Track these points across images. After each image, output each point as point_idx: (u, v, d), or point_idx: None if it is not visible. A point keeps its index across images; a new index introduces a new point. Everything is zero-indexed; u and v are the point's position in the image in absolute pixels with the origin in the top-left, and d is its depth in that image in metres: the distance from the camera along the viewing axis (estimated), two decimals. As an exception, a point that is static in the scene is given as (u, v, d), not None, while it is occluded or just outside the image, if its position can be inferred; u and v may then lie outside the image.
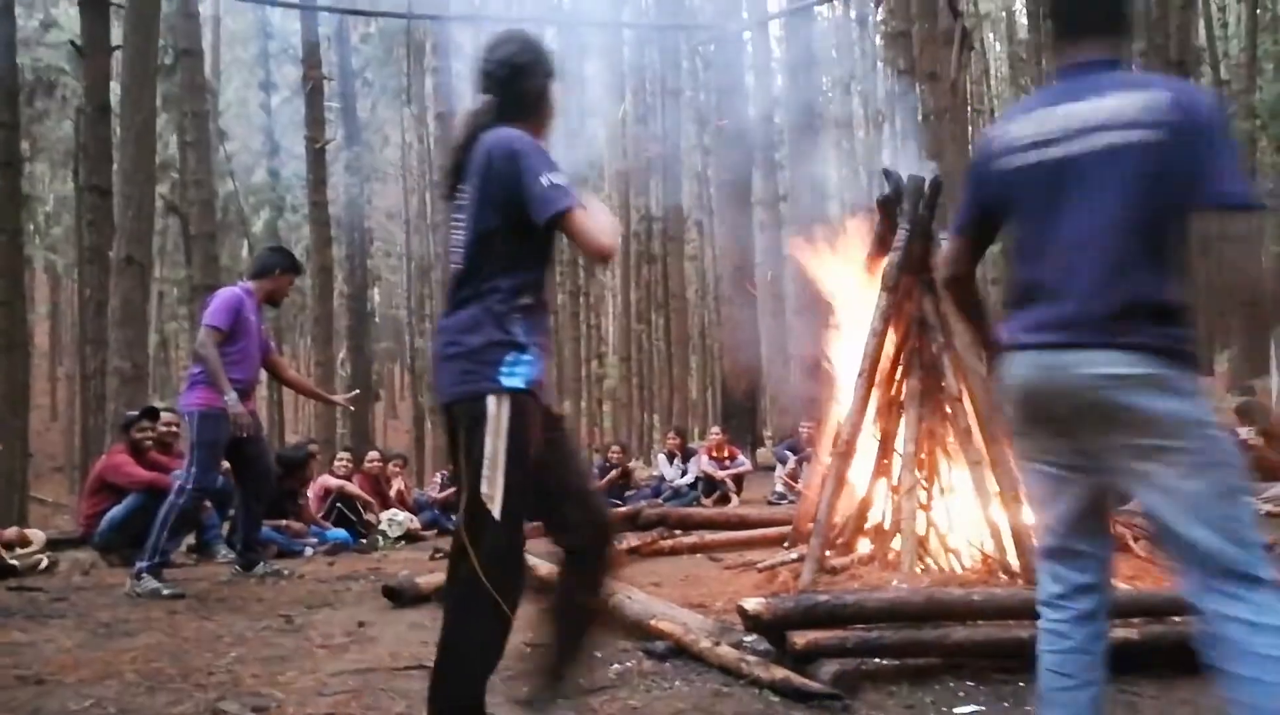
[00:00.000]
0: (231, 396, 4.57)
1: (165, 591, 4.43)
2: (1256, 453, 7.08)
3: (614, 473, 9.84)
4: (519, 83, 2.24)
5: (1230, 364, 18.50)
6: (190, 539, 6.19)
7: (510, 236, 2.11)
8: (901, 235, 4.43)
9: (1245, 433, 7.30)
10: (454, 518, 8.63)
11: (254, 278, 5.03)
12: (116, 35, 9.86)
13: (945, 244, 1.92)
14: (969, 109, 20.39)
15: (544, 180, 2.03)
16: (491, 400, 2.08)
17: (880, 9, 21.94)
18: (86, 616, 4.04)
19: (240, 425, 4.61)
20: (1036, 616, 2.89)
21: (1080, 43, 1.82)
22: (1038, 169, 1.79)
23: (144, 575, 4.50)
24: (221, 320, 4.70)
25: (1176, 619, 2.88)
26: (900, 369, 4.54)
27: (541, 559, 4.31)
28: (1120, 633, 2.77)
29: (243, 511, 5.24)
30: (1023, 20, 29.82)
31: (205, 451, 4.64)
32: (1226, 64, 24.05)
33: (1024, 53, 27.86)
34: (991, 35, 32.46)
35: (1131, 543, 4.53)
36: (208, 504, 5.82)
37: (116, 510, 5.90)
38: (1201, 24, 21.39)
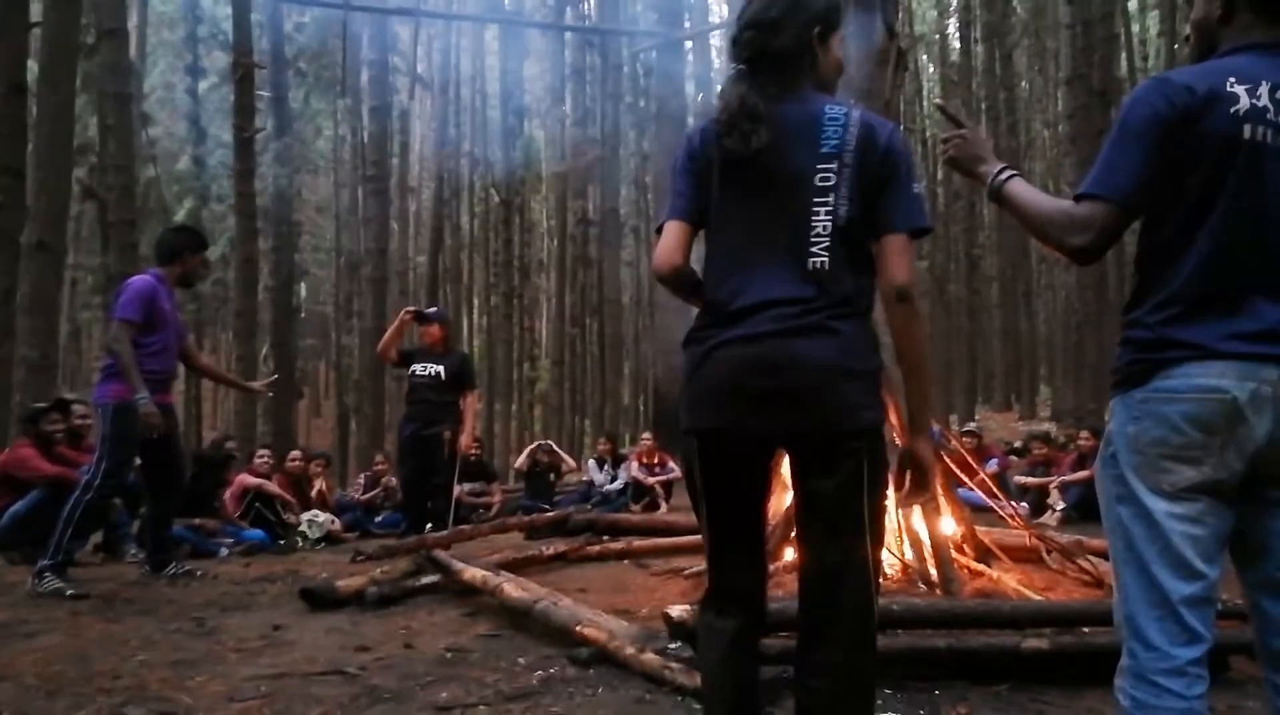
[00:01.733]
0: (144, 396, 4.41)
1: (69, 591, 4.25)
2: None
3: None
4: (772, 41, 1.89)
5: None
6: (98, 537, 5.96)
7: (864, 238, 1.84)
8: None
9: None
10: (377, 520, 8.33)
11: (163, 264, 4.82)
12: (36, 11, 9.46)
13: (1081, 209, 1.59)
14: (901, 127, 20.86)
15: (918, 188, 1.85)
16: (886, 432, 1.83)
17: (819, 26, 22.28)
18: (-18, 617, 3.85)
19: (151, 426, 4.44)
20: (952, 626, 3.00)
21: None
22: (1265, 148, 1.55)
23: (46, 574, 4.32)
24: (135, 312, 4.52)
25: (1085, 630, 2.98)
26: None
27: (466, 563, 4.27)
28: (1031, 642, 2.86)
29: (152, 509, 5.05)
30: (955, 44, 30.72)
31: (117, 446, 4.48)
32: (1144, 96, 25.07)
33: (955, 75, 28.68)
34: (925, 57, 33.35)
35: (1045, 555, 4.68)
36: (117, 501, 5.62)
37: (19, 506, 5.66)
38: (1124, 56, 22.31)
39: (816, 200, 1.80)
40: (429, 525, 6.50)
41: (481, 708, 2.64)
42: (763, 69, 1.88)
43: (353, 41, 21.59)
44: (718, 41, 18.54)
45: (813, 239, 1.79)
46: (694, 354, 1.87)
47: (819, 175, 1.80)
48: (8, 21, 9.53)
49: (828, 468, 1.80)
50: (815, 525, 1.86)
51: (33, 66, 9.64)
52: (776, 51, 1.88)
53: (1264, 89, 1.56)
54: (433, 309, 7.39)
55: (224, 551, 6.56)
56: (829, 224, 1.79)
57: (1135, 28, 27.13)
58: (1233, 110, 1.55)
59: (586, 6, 26.06)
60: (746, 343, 1.79)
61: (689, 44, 15.27)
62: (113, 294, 4.98)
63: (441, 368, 6.70)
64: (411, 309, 7.08)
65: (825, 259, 1.79)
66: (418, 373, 6.73)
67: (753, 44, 1.89)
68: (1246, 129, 1.54)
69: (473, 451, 9.48)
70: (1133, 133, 1.59)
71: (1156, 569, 1.57)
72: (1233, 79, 1.57)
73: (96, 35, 12.36)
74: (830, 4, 1.93)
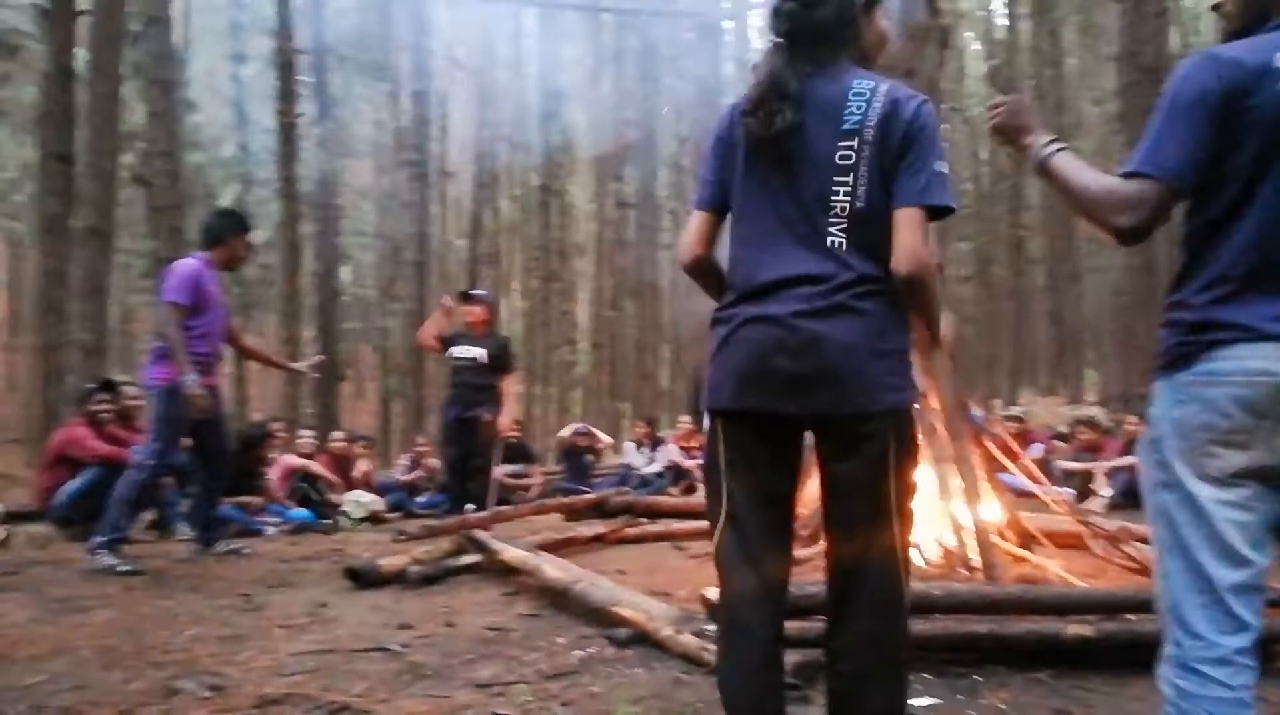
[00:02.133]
0: (191, 377, 4.51)
1: (121, 568, 4.36)
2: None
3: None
4: (814, 13, 1.83)
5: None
6: (151, 515, 6.11)
7: (885, 217, 1.76)
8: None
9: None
10: (419, 500, 8.37)
11: (208, 247, 4.91)
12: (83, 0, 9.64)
13: (1129, 187, 1.56)
14: (946, 106, 20.50)
15: (941, 166, 1.76)
16: (916, 411, 1.84)
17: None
18: (41, 591, 3.97)
19: (199, 407, 4.54)
20: (994, 611, 2.97)
21: None
22: None
23: (100, 550, 4.44)
24: (183, 296, 4.62)
25: (1131, 617, 2.94)
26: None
27: (506, 544, 4.31)
28: (1074, 629, 2.82)
29: (202, 488, 5.17)
30: (1001, 20, 30.06)
31: (168, 427, 4.59)
32: (1197, 72, 24.37)
33: (1000, 52, 28.08)
34: (970, 34, 32.68)
35: (1090, 542, 4.61)
36: (168, 480, 5.75)
37: (75, 483, 5.82)
38: (1176, 32, 21.68)
39: (836, 180, 1.76)
40: (470, 506, 6.57)
41: (521, 686, 2.67)
42: (803, 42, 1.83)
43: (393, 27, 21.70)
44: (756, 22, 18.35)
45: (831, 220, 1.76)
46: (719, 334, 1.86)
47: (839, 154, 1.76)
48: (58, 9, 9.74)
49: (852, 449, 1.77)
50: (841, 509, 1.84)
51: (82, 54, 9.81)
52: (819, 23, 1.83)
53: None
54: (479, 291, 7.48)
55: (270, 530, 6.70)
56: (847, 205, 1.75)
57: (1188, 2, 26.35)
58: (1278, 87, 1.51)
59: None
60: (771, 323, 1.76)
61: (728, 25, 15.14)
62: (160, 278, 5.04)
63: (484, 350, 6.76)
64: (450, 301, 7.09)
65: (843, 240, 1.76)
66: (459, 356, 6.78)
67: (794, 16, 1.84)
68: None
69: (513, 434, 9.58)
70: (1182, 109, 1.55)
71: (1202, 556, 1.53)
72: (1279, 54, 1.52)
73: (142, 22, 12.56)
74: None
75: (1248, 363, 1.51)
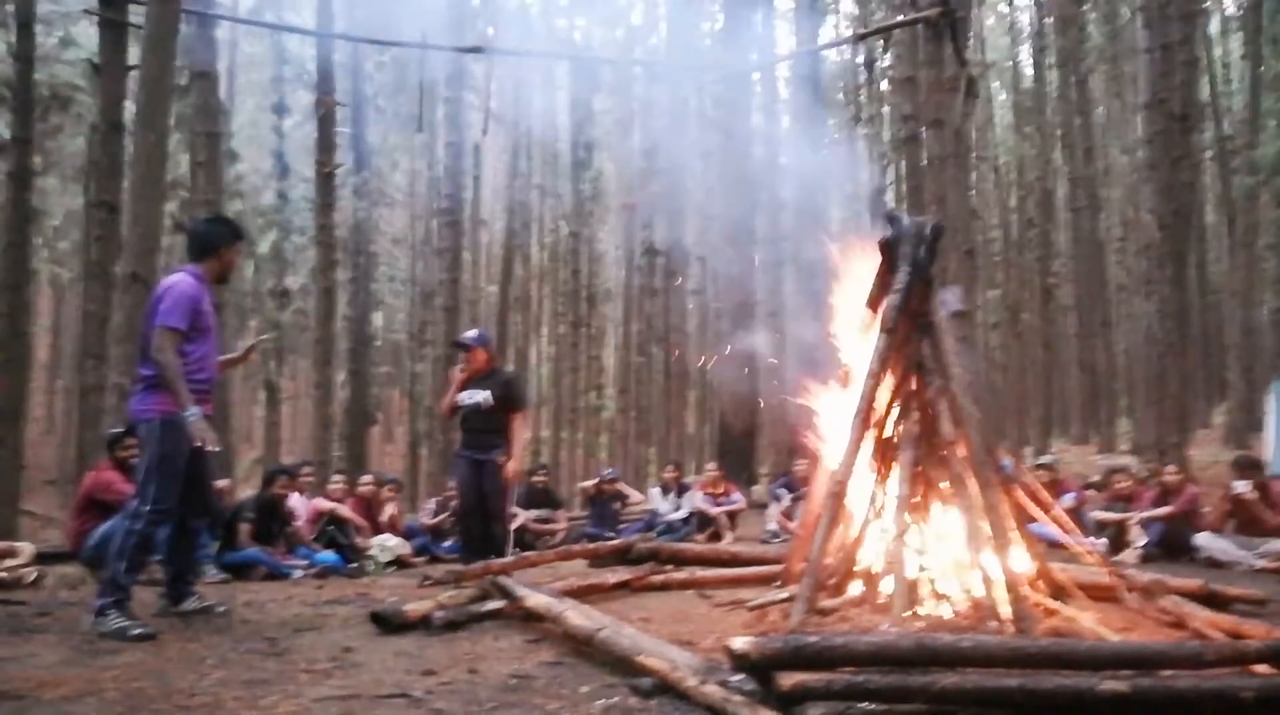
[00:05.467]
0: (194, 411, 4.07)
1: (134, 631, 3.90)
2: (1251, 507, 7.07)
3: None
4: None
5: (1227, 417, 18.58)
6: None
7: None
8: (901, 278, 4.46)
9: (1241, 486, 7.30)
10: (445, 545, 8.36)
11: (199, 258, 4.42)
12: (134, 56, 9.99)
13: None
14: (972, 156, 20.58)
15: None
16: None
17: (888, 55, 22.22)
18: (70, 633, 4.01)
19: (205, 439, 4.10)
20: (1025, 665, 2.91)
21: None
22: None
23: (109, 611, 3.99)
24: (181, 319, 4.15)
25: (1167, 673, 2.87)
26: (896, 411, 4.54)
27: (531, 590, 4.31)
28: (1109, 685, 2.76)
29: (177, 531, 4.43)
30: (1028, 70, 30.20)
31: (166, 465, 4.10)
32: (1230, 119, 24.31)
33: (1028, 101, 28.18)
34: (997, 84, 32.84)
35: (1123, 594, 4.51)
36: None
37: (107, 526, 5.87)
38: (1205, 80, 21.68)
39: None
40: (488, 552, 6.40)
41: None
42: None
43: (429, 79, 22.22)
44: (784, 73, 18.59)
45: None
46: None
47: None
48: (109, 65, 10.10)
49: None
50: None
51: (129, 107, 10.14)
52: None
53: None
54: (471, 334, 7.11)
55: (298, 573, 6.73)
56: None
57: (1218, 51, 26.34)
58: None
59: (655, 40, 26.44)
60: None
61: (755, 77, 15.35)
62: (152, 297, 4.38)
63: (486, 393, 6.51)
64: (458, 371, 6.79)
65: None
66: (465, 402, 6.55)
67: None
68: None
69: (539, 479, 9.59)
70: None
71: None
72: None
73: (189, 77, 12.99)
74: None
75: None
